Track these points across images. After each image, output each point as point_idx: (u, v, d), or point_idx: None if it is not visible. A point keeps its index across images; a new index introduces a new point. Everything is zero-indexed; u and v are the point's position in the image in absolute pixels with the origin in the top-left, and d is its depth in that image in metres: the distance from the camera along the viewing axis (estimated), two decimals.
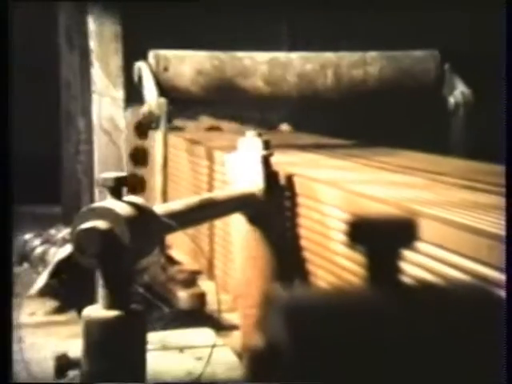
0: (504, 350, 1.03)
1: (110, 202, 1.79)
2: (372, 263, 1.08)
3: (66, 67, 4.47)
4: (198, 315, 2.85)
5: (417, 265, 1.81)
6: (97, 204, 1.84)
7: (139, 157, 3.69)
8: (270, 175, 2.56)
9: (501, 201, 2.01)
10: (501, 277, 1.52)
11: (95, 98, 3.69)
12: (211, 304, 2.89)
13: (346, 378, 0.97)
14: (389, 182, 2.50)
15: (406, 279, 1.26)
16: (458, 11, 4.84)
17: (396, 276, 1.09)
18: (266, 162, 2.55)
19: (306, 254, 2.53)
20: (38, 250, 3.40)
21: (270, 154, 2.58)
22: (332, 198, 2.36)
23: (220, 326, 2.72)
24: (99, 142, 3.68)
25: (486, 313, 1.05)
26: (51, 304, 3.09)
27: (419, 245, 1.67)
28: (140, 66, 3.43)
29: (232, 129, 4.41)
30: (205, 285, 3.10)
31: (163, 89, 3.39)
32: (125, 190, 1.83)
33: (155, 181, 3.38)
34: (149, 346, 1.84)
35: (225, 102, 4.29)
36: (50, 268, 3.13)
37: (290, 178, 2.62)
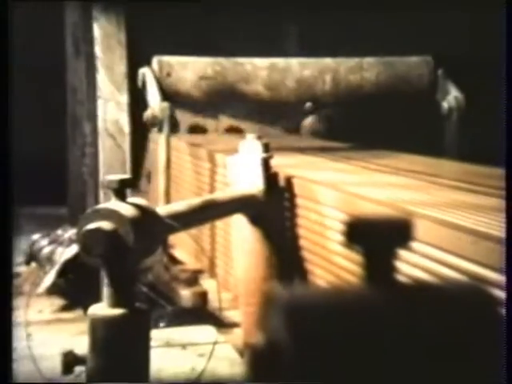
0: (504, 349, 1.02)
1: (114, 204, 1.79)
2: (369, 262, 1.08)
3: (72, 73, 4.47)
4: (200, 313, 2.84)
5: (412, 264, 1.80)
6: (102, 205, 1.84)
7: None
8: (270, 177, 2.56)
9: (495, 202, 2.01)
10: (495, 276, 1.51)
11: (100, 102, 3.69)
12: (213, 302, 2.89)
13: (345, 376, 0.97)
14: (385, 183, 2.50)
15: (401, 278, 1.26)
16: (456, 12, 4.82)
17: (392, 275, 1.09)
18: (265, 164, 2.55)
19: (305, 254, 2.53)
20: (46, 250, 3.39)
21: (270, 157, 2.57)
22: (330, 200, 2.35)
23: (221, 324, 2.72)
24: (104, 145, 3.68)
25: (482, 312, 1.05)
26: (58, 302, 3.09)
27: (414, 245, 1.66)
28: (144, 71, 3.43)
29: (252, 128, 4.42)
30: (207, 283, 3.10)
31: (166, 93, 3.39)
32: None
33: (158, 182, 3.38)
34: (152, 343, 1.83)
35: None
36: (57, 267, 3.13)
37: (289, 180, 2.62)
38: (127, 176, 1.86)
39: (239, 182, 2.56)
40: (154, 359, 1.82)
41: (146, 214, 1.81)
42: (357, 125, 4.89)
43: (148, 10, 4.40)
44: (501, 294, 1.39)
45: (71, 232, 3.32)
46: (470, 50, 4.88)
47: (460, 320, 1.03)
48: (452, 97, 3.62)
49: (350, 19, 4.98)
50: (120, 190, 1.80)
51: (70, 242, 3.24)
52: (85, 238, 1.73)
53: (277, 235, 2.57)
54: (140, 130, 3.88)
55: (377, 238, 1.08)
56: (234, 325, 2.72)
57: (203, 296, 2.92)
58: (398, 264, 1.11)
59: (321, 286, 2.37)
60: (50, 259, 3.30)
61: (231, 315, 2.79)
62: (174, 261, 3.37)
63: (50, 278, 3.09)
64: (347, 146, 3.80)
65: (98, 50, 3.70)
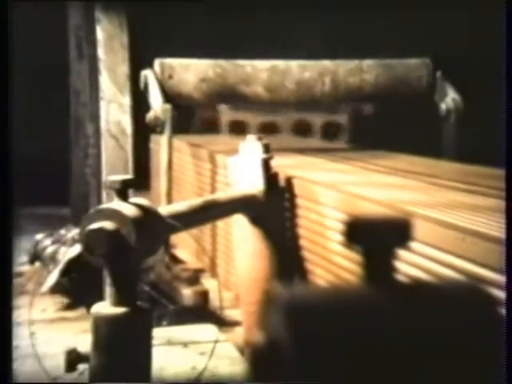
0: (504, 349, 1.02)
1: (116, 204, 1.78)
2: (368, 262, 1.07)
3: (75, 75, 4.47)
4: (202, 312, 2.84)
5: (411, 263, 1.80)
6: (104, 205, 1.84)
7: None
8: (270, 177, 2.55)
9: (493, 202, 2.01)
10: (494, 276, 1.51)
11: (103, 104, 3.68)
12: (214, 301, 2.89)
13: (345, 376, 0.97)
14: (384, 184, 2.49)
15: (400, 278, 1.25)
16: (456, 12, 4.81)
17: (391, 274, 1.09)
18: (266, 164, 2.54)
19: (305, 253, 2.53)
20: (49, 250, 3.39)
21: (270, 157, 2.57)
22: (330, 200, 2.35)
23: (222, 323, 2.72)
24: (107, 146, 3.67)
25: (482, 312, 1.04)
26: (62, 301, 3.09)
27: (413, 245, 1.66)
28: (146, 73, 3.43)
29: (256, 120, 4.43)
30: (208, 283, 3.10)
31: (168, 95, 3.39)
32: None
33: (160, 183, 3.38)
34: (154, 341, 1.83)
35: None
36: (60, 266, 3.12)
37: (289, 180, 2.62)
38: (129, 176, 1.86)
39: (240, 182, 2.56)
40: (156, 357, 1.82)
41: (147, 214, 1.81)
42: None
43: (150, 11, 4.40)
44: (501, 294, 1.38)
45: (74, 232, 3.31)
46: (469, 51, 4.88)
47: (460, 320, 1.02)
48: (450, 98, 3.62)
49: (350, 21, 4.98)
50: (122, 191, 1.80)
51: (73, 241, 3.24)
52: (88, 237, 1.73)
53: (277, 235, 2.57)
54: (142, 132, 3.88)
55: (376, 238, 1.08)
56: (234, 323, 2.72)
57: (204, 295, 2.92)
58: (397, 264, 1.11)
59: (321, 285, 2.37)
60: (53, 259, 3.29)
61: (232, 314, 2.79)
62: (176, 260, 3.36)
63: (53, 278, 3.09)
64: (347, 146, 3.80)
65: (100, 52, 3.70)
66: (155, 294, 2.90)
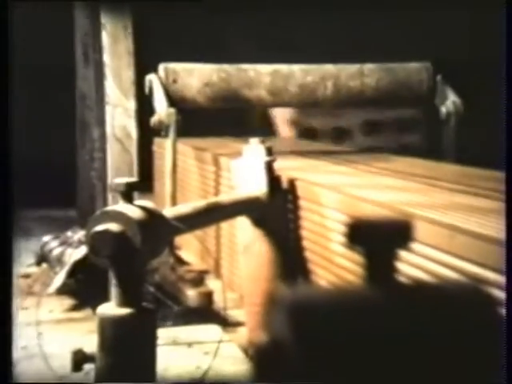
0: (504, 349, 1.01)
1: (122, 206, 1.78)
2: (370, 263, 1.07)
3: (82, 80, 4.47)
4: (206, 312, 2.84)
5: (412, 265, 1.80)
6: (110, 208, 1.84)
7: None
8: (273, 180, 2.55)
9: (493, 204, 2.00)
10: (495, 276, 1.51)
11: (109, 108, 3.68)
12: (218, 302, 2.88)
13: (348, 376, 0.96)
14: (386, 186, 2.49)
15: (402, 278, 1.25)
16: (456, 12, 4.79)
17: (393, 275, 1.08)
18: (269, 167, 2.54)
19: (308, 255, 2.52)
20: (56, 251, 3.39)
21: (273, 160, 2.57)
22: (332, 202, 2.35)
23: (226, 323, 2.72)
24: (112, 149, 3.67)
25: (482, 312, 1.04)
26: (68, 302, 3.08)
27: (415, 246, 1.66)
28: (151, 78, 3.43)
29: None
30: (212, 284, 3.09)
31: (172, 99, 3.39)
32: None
33: (164, 186, 3.38)
34: (159, 342, 1.83)
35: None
36: (66, 268, 3.12)
37: (292, 183, 2.61)
38: (134, 179, 1.86)
39: (243, 184, 2.56)
40: (161, 357, 1.82)
41: (152, 216, 1.81)
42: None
43: (155, 17, 4.40)
44: (501, 295, 1.38)
45: (80, 234, 3.31)
46: (469, 51, 4.86)
47: (461, 320, 1.02)
48: (450, 102, 3.62)
49: (351, 24, 4.96)
50: (127, 193, 1.80)
51: (80, 243, 3.23)
52: (93, 239, 1.73)
53: (280, 236, 2.57)
54: (147, 135, 3.88)
55: (378, 239, 1.08)
56: (238, 324, 2.72)
57: (209, 296, 2.91)
58: (399, 265, 1.10)
59: (323, 286, 2.36)
60: (60, 260, 3.29)
61: (236, 314, 2.78)
62: (181, 262, 3.36)
63: (60, 279, 3.09)
64: (349, 149, 3.79)
65: (106, 57, 3.70)
66: (160, 295, 2.89)
